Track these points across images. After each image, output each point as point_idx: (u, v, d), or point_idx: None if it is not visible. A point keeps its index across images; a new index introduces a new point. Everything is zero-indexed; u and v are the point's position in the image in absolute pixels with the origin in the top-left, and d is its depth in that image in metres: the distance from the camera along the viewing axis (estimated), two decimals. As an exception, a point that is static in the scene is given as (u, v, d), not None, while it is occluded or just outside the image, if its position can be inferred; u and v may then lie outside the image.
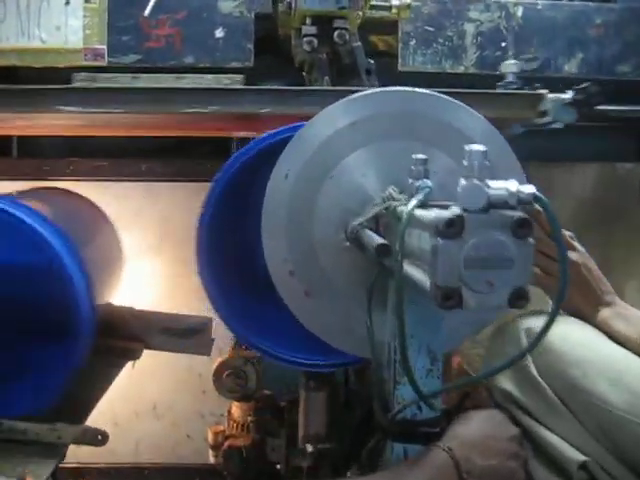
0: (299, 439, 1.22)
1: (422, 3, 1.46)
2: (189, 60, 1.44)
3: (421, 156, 0.73)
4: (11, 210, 0.94)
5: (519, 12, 1.48)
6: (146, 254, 1.55)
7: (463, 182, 0.53)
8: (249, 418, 1.43)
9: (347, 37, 1.13)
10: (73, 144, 1.57)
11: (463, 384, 0.81)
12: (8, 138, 1.58)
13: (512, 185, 0.52)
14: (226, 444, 1.41)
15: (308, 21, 1.18)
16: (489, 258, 0.53)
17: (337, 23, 1.15)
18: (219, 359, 1.45)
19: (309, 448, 1.17)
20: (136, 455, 1.57)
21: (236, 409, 1.46)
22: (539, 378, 0.84)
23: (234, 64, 1.44)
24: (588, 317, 0.96)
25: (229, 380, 1.43)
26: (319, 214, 0.90)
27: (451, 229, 0.53)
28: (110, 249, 1.34)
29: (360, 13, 1.19)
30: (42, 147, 1.59)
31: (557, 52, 1.49)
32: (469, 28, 1.47)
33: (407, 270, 0.66)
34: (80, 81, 1.41)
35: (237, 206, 1.03)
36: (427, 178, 0.73)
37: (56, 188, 1.39)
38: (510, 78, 1.31)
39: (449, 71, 1.47)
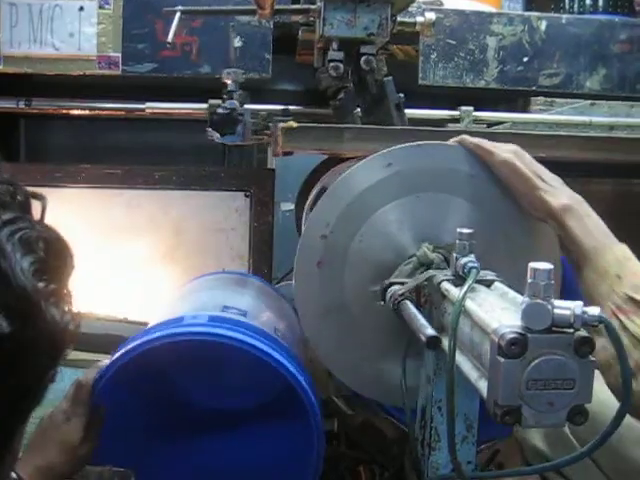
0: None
1: (444, 15, 1.43)
2: (205, 70, 1.41)
3: (466, 230, 0.72)
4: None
5: (542, 26, 1.45)
6: (159, 263, 1.53)
7: (527, 300, 0.53)
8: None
9: (374, 64, 1.11)
10: (84, 150, 1.54)
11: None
12: (17, 142, 1.55)
13: (577, 306, 0.52)
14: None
15: (334, 45, 1.14)
16: (551, 379, 0.53)
17: (364, 49, 1.12)
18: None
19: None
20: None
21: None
22: (572, 438, 0.84)
23: (251, 75, 1.41)
24: (534, 201, 0.85)
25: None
26: (352, 263, 0.90)
27: (514, 348, 0.52)
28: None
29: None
30: (52, 152, 1.56)
31: (579, 68, 1.47)
32: (491, 42, 1.44)
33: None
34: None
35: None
36: (472, 252, 0.72)
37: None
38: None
39: (470, 86, 1.45)
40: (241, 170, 1.53)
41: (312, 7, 1.17)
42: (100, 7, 1.39)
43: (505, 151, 0.87)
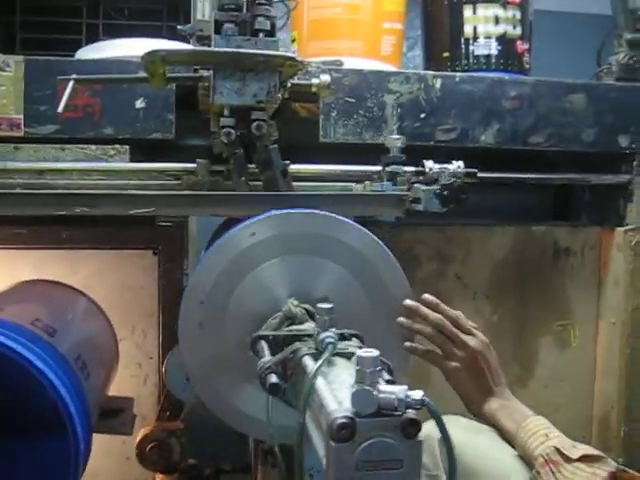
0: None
1: (343, 75, 1.48)
2: (108, 131, 1.42)
3: (326, 305, 0.75)
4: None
5: (438, 84, 1.51)
6: (67, 322, 1.52)
7: (355, 387, 0.56)
8: (173, 490, 1.44)
9: (264, 129, 1.14)
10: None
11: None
12: None
13: (401, 391, 0.55)
14: (150, 518, 1.42)
15: (226, 112, 1.18)
16: (380, 460, 0.56)
17: (255, 115, 1.16)
18: (142, 431, 1.45)
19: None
20: (59, 524, 1.55)
21: (160, 481, 1.46)
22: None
23: (155, 135, 1.43)
24: (477, 404, 1.07)
25: (152, 453, 1.43)
26: (231, 321, 1.00)
27: (343, 432, 0.55)
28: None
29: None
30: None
31: (474, 123, 1.53)
32: (389, 99, 1.50)
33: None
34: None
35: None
36: (333, 326, 0.75)
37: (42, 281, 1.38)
38: (395, 152, 1.34)
39: (369, 142, 1.49)
40: (149, 228, 1.54)
41: (204, 75, 1.20)
42: (1, 69, 1.40)
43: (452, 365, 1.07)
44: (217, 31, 1.16)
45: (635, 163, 1.60)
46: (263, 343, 0.87)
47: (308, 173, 1.38)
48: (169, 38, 1.63)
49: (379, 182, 1.28)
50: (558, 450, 0.93)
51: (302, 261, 1.01)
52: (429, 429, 1.01)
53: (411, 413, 0.56)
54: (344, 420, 0.55)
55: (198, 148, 1.57)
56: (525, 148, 1.55)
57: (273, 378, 0.76)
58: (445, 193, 1.17)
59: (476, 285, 1.64)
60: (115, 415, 1.34)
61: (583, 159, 1.63)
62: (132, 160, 1.41)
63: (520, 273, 1.66)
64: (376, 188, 1.26)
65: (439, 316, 1.07)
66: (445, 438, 0.57)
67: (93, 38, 2.23)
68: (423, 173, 1.27)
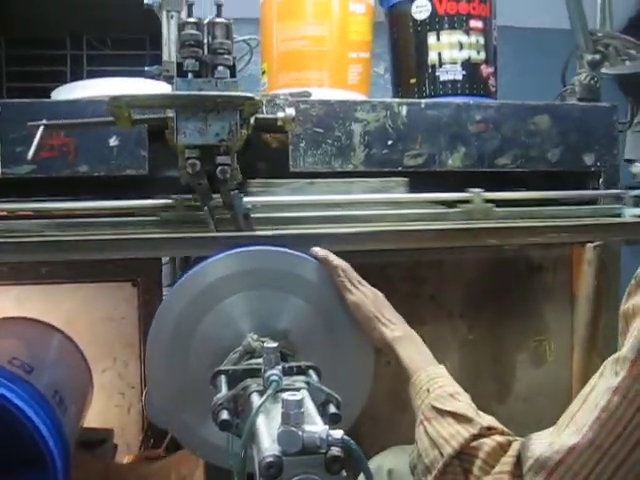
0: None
1: (310, 105, 1.52)
2: (84, 169, 1.47)
3: (272, 344, 0.79)
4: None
5: (404, 111, 1.55)
6: (51, 355, 1.57)
7: (281, 428, 0.59)
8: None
9: (228, 174, 1.18)
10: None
11: None
12: None
13: (323, 431, 0.59)
14: None
15: (191, 153, 1.22)
16: (306, 496, 0.59)
17: (220, 159, 1.20)
18: (126, 459, 1.49)
19: None
20: None
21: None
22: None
23: (129, 172, 1.47)
24: (379, 330, 1.07)
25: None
26: (197, 351, 1.06)
27: (271, 471, 0.59)
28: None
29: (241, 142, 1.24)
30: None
31: (441, 147, 1.57)
32: (356, 128, 1.53)
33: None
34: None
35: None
36: (279, 364, 0.79)
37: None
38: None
39: (339, 170, 1.53)
40: (127, 261, 1.59)
41: (169, 115, 1.25)
42: (-25, 114, 1.45)
43: (359, 294, 1.09)
44: (179, 74, 1.21)
45: (601, 180, 1.63)
46: (222, 377, 0.91)
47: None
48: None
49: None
50: (433, 407, 0.88)
51: (263, 296, 1.05)
52: (379, 461, 1.05)
53: (335, 450, 0.60)
54: (271, 459, 0.59)
55: (172, 180, 1.61)
56: (492, 170, 1.58)
57: (224, 415, 0.79)
58: None
59: (451, 305, 1.67)
60: (97, 446, 1.38)
61: (551, 177, 1.67)
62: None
63: (494, 291, 1.69)
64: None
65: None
66: (365, 472, 0.61)
67: (78, 70, 2.29)
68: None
